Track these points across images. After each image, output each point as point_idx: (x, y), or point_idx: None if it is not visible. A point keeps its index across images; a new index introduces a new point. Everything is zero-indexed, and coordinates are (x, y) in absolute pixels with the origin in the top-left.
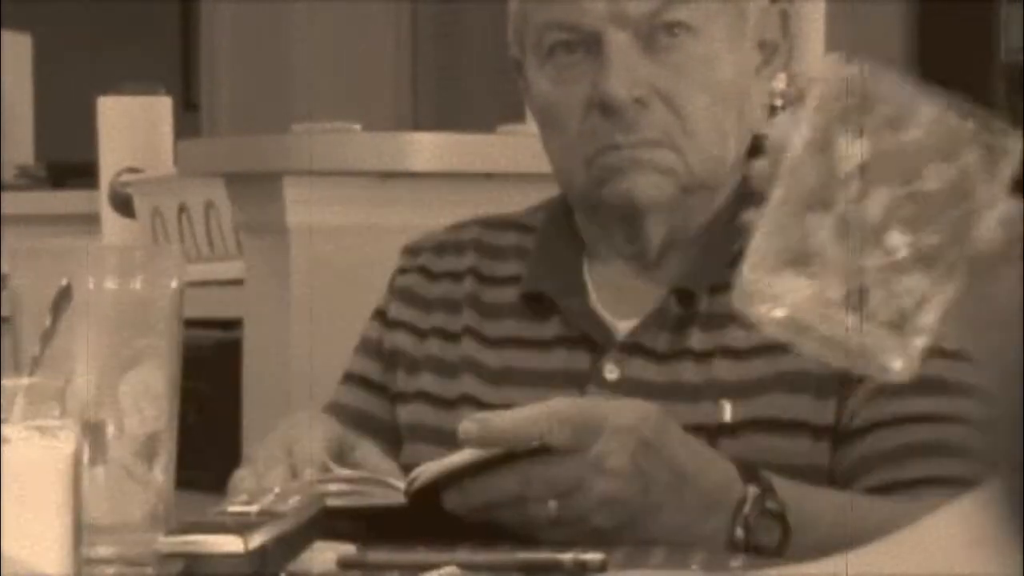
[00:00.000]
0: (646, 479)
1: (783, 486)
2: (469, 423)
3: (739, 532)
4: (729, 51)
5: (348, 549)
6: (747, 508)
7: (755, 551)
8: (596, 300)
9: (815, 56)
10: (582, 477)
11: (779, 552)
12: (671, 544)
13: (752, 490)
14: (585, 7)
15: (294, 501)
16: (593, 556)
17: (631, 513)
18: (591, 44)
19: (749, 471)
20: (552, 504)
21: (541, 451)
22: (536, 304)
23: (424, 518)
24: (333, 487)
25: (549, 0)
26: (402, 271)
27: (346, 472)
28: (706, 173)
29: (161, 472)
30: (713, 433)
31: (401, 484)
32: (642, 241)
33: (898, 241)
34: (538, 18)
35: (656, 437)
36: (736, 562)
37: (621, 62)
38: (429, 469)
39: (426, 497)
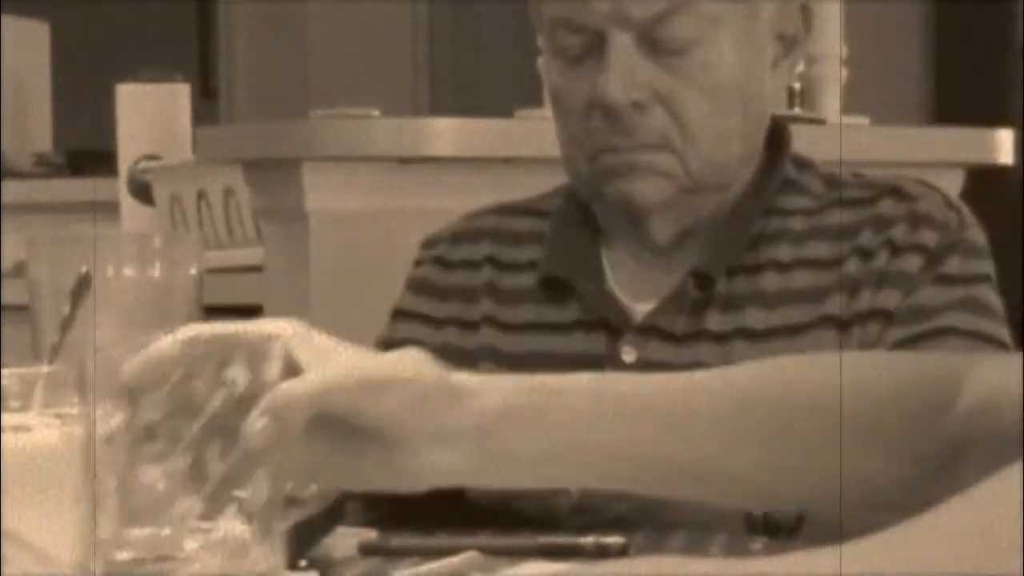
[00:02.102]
0: None
1: None
2: None
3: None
4: (736, 54)
5: (369, 535)
6: None
7: (773, 528)
8: (613, 283)
9: (833, 37)
10: None
11: (796, 530)
12: (691, 526)
13: None
14: (591, 7)
15: (315, 487)
16: (614, 540)
17: (650, 500)
18: (596, 43)
19: None
20: (574, 491)
21: None
22: (554, 288)
23: (446, 507)
24: None
25: None
26: (417, 264)
27: None
28: (707, 176)
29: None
30: None
31: None
32: (649, 236)
33: None
34: (548, 14)
35: None
36: (756, 546)
37: (621, 64)
38: None
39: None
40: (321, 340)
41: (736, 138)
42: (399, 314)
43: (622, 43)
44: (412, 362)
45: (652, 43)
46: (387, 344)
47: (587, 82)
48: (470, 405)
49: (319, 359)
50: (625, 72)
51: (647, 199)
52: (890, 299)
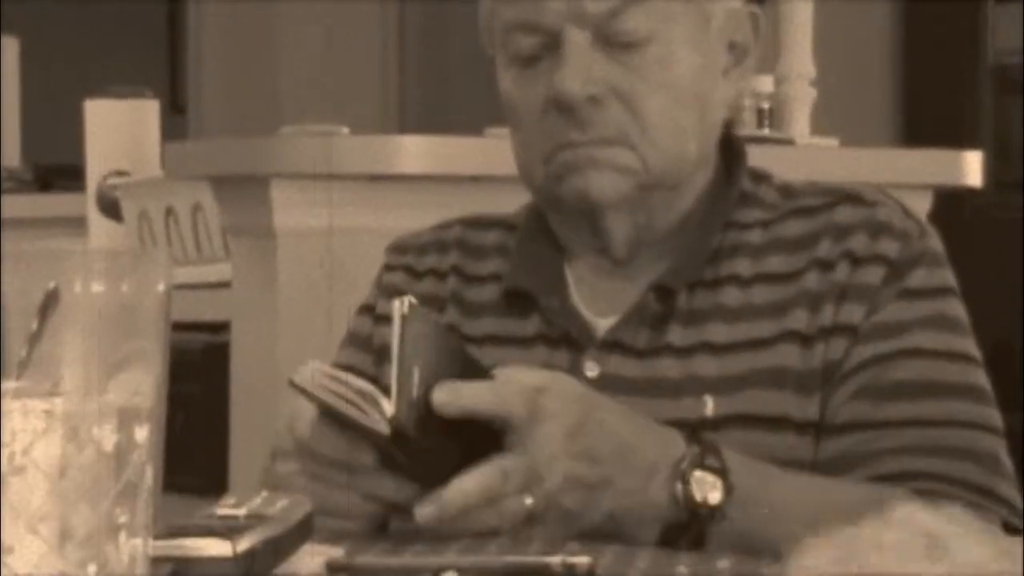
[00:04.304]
0: (592, 454)
1: (735, 456)
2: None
3: (679, 487)
4: (690, 53)
5: (336, 552)
6: (685, 464)
7: (698, 507)
8: (576, 298)
9: (802, 58)
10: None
11: (722, 509)
12: (626, 515)
13: (693, 449)
14: (546, 6)
15: (282, 504)
16: (581, 559)
17: (591, 490)
18: (552, 43)
19: (695, 436)
20: (528, 499)
21: (492, 443)
22: (517, 301)
23: (412, 525)
24: (331, 385)
25: (513, 0)
26: (388, 268)
27: (354, 382)
28: (664, 172)
29: (148, 475)
30: (695, 428)
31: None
32: (605, 238)
33: None
34: (503, 17)
35: (590, 414)
36: (723, 563)
37: (577, 60)
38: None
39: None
40: None
41: (692, 138)
42: (377, 317)
43: (578, 39)
44: None
45: (607, 39)
46: (364, 342)
47: (543, 83)
48: None
49: None
50: (581, 67)
51: (603, 194)
52: (854, 313)
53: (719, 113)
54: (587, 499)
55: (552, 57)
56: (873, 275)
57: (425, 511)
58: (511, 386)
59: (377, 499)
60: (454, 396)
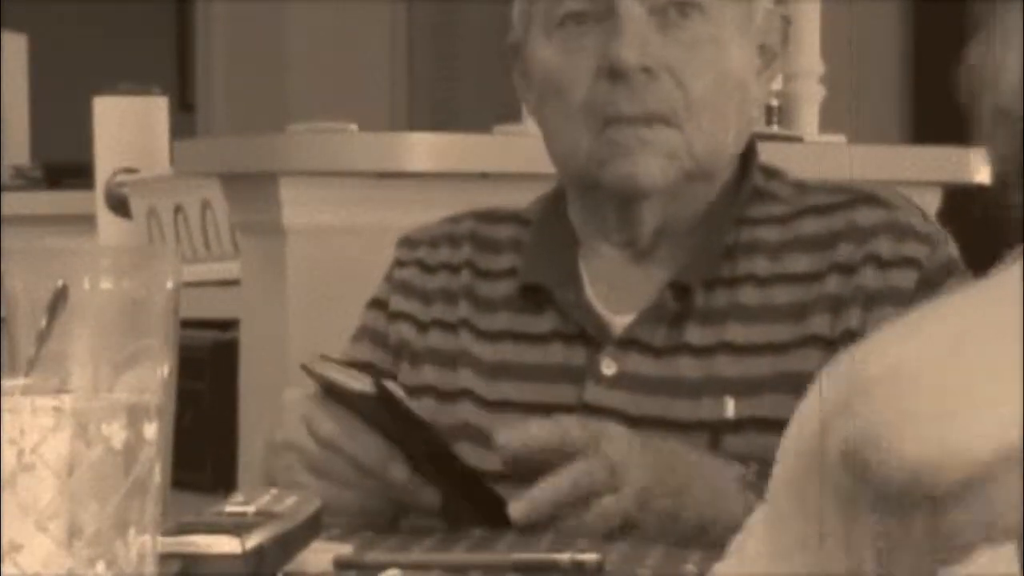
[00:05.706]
0: (663, 462)
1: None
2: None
3: (750, 496)
4: (737, 40)
5: (345, 549)
6: (750, 474)
7: None
8: (591, 294)
9: (811, 55)
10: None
11: None
12: (712, 522)
13: (748, 466)
14: None
15: (291, 501)
16: (590, 556)
17: (675, 495)
18: (603, 15)
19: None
20: (619, 498)
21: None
22: (532, 297)
23: (419, 522)
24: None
25: None
26: (400, 263)
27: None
28: (706, 157)
29: (157, 473)
30: (716, 429)
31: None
32: (635, 227)
33: None
34: None
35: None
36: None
37: (634, 31)
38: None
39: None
40: None
41: (731, 127)
42: (388, 313)
43: (634, 12)
44: None
45: (661, 15)
46: (380, 338)
47: (591, 54)
48: None
49: None
50: (637, 38)
51: (651, 180)
52: (888, 319)
53: (754, 110)
54: (674, 504)
55: (602, 28)
56: (906, 279)
57: (517, 508)
58: (565, 418)
59: (402, 504)
60: (518, 434)
